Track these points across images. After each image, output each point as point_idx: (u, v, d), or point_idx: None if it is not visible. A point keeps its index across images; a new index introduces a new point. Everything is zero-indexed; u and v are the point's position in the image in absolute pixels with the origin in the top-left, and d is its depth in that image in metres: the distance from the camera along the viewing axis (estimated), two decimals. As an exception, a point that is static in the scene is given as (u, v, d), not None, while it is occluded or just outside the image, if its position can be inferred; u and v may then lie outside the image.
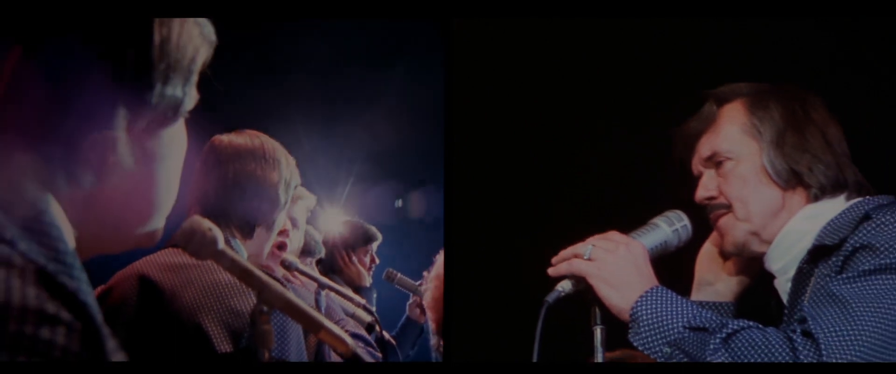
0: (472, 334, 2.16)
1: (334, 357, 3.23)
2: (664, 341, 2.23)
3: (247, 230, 2.77)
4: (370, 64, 5.87)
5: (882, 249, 2.22)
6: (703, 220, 2.51)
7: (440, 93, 3.29)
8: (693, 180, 2.54)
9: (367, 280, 5.19)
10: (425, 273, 5.08)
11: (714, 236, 2.59)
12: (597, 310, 2.32)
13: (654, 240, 2.43)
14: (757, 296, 2.57)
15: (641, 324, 2.26)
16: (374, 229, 5.36)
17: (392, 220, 5.76)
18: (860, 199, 2.42)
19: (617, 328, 2.30)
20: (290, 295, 1.74)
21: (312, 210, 3.86)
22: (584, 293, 2.32)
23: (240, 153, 2.77)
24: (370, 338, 4.29)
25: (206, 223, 1.71)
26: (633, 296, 2.29)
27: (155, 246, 1.42)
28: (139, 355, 2.62)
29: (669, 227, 2.46)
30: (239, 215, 2.75)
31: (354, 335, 4.21)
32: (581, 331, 2.33)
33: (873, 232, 2.25)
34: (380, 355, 4.20)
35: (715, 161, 2.48)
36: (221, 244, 1.71)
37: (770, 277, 2.50)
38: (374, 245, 5.33)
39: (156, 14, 1.28)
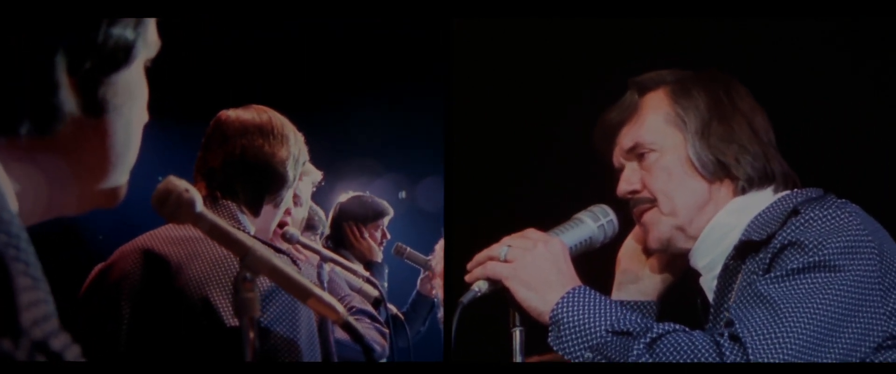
0: (472, 332, 2.13)
1: (339, 333, 3.12)
2: (586, 345, 2.04)
3: (255, 207, 2.62)
4: (371, 63, 5.86)
5: (810, 246, 2.04)
6: (627, 215, 2.32)
7: (441, 92, 3.28)
8: (613, 174, 2.34)
9: (379, 255, 4.92)
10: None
11: (636, 231, 2.39)
12: (516, 312, 2.13)
13: (577, 236, 2.24)
14: (682, 295, 2.38)
15: (562, 327, 2.06)
16: (385, 204, 5.05)
17: (396, 210, 5.57)
18: (788, 192, 2.22)
19: (544, 331, 2.09)
20: (277, 261, 1.60)
21: (318, 185, 3.64)
22: (503, 293, 2.14)
23: (247, 129, 2.62)
24: (377, 314, 4.03)
25: (183, 184, 1.57)
26: (552, 298, 2.09)
27: (116, 207, 1.23)
28: (146, 329, 2.46)
29: (595, 222, 2.26)
30: (247, 192, 2.60)
31: (360, 311, 3.97)
32: (502, 333, 2.16)
33: (801, 228, 2.07)
34: (386, 330, 3.96)
35: (637, 153, 2.28)
36: (200, 207, 1.56)
37: (695, 274, 2.30)
38: (386, 220, 5.01)
39: (160, 14, 1.16)
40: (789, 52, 2.73)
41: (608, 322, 2.05)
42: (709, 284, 2.26)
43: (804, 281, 2.02)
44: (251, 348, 1.61)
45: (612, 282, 2.42)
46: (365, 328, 3.88)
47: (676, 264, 2.38)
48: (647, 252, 2.38)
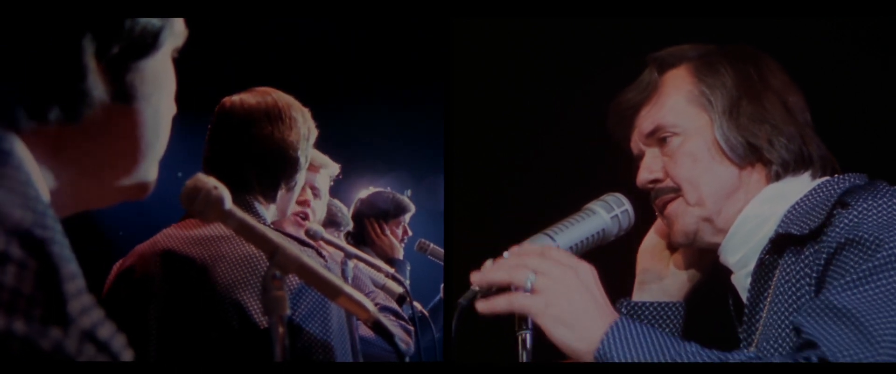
0: (472, 331, 2.07)
1: (364, 330, 2.99)
2: None
3: (270, 195, 2.48)
4: (371, 63, 5.84)
5: (872, 242, 1.74)
6: (645, 206, 2.05)
7: (441, 91, 3.25)
8: (632, 161, 2.07)
9: (400, 252, 4.75)
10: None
11: (658, 225, 2.11)
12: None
13: (589, 229, 1.94)
14: (710, 294, 2.13)
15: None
16: (406, 200, 4.85)
17: None
18: (827, 178, 1.94)
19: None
20: (305, 258, 1.53)
21: (335, 178, 3.53)
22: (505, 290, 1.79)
23: (253, 116, 2.47)
24: (401, 311, 3.88)
25: (212, 181, 1.51)
26: (594, 334, 1.74)
27: (145, 200, 1.20)
28: (174, 332, 2.35)
29: (608, 213, 1.96)
30: (262, 182, 2.46)
31: (385, 308, 3.82)
32: (506, 333, 1.86)
33: (856, 223, 1.77)
34: (412, 328, 3.80)
35: (658, 137, 2.00)
36: (228, 204, 1.50)
37: (726, 271, 2.02)
38: (407, 217, 4.81)
39: (157, 13, 1.12)
40: (818, 31, 2.49)
41: (669, 356, 1.72)
42: (742, 282, 1.97)
43: (879, 284, 1.71)
44: (281, 346, 1.55)
45: (633, 281, 2.15)
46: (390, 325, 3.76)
47: (704, 261, 2.10)
48: (672, 248, 2.10)
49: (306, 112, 2.56)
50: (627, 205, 1.98)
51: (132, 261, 2.47)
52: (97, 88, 1.06)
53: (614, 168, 2.21)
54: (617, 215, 1.97)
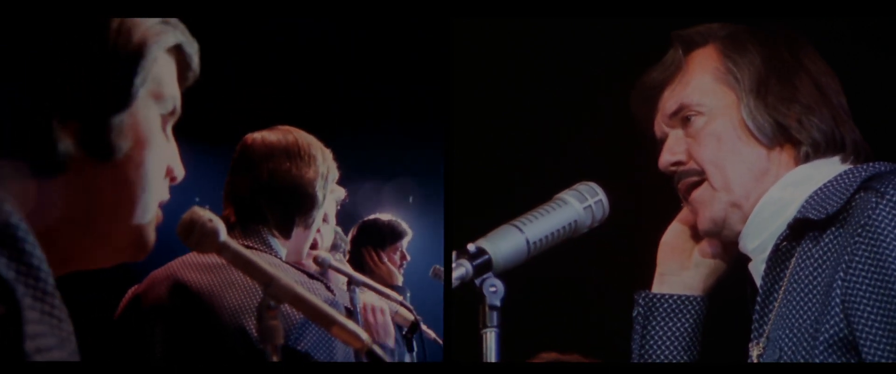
0: (472, 331, 2.05)
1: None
2: None
3: (285, 231, 2.53)
4: (371, 63, 5.82)
5: None
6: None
7: (440, 92, 3.24)
8: (656, 144, 1.95)
9: (399, 279, 4.70)
10: None
11: (682, 216, 2.00)
12: (487, 309, 1.68)
13: (560, 220, 1.80)
14: (733, 288, 2.01)
15: None
16: (403, 225, 4.77)
17: (405, 216, 5.28)
18: (854, 166, 1.81)
19: (542, 328, 1.88)
20: (299, 289, 1.56)
21: (342, 203, 3.46)
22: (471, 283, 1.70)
23: (273, 152, 2.53)
24: (411, 354, 3.76)
25: (207, 214, 1.52)
26: None
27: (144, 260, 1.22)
28: (180, 356, 2.39)
29: (580, 203, 1.80)
30: (276, 216, 2.51)
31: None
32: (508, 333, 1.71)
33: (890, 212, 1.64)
34: None
35: (682, 117, 1.88)
36: (223, 236, 1.52)
37: (745, 259, 1.89)
38: (404, 242, 4.74)
39: (157, 13, 1.13)
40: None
41: None
42: (759, 269, 1.84)
43: None
44: (275, 375, 1.55)
45: (653, 273, 2.05)
46: None
47: (727, 254, 1.98)
48: (695, 239, 1.99)
49: (328, 153, 2.61)
50: (601, 195, 1.82)
51: (145, 286, 2.52)
52: (64, 143, 1.07)
53: (614, 167, 2.19)
54: (590, 206, 1.81)
